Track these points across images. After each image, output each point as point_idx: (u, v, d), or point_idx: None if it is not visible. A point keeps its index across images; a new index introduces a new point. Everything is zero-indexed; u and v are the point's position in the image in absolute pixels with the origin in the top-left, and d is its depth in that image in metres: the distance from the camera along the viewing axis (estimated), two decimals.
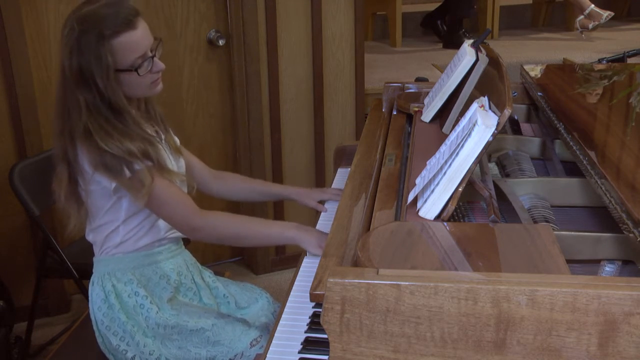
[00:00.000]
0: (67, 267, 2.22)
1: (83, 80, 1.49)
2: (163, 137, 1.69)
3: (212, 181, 1.91)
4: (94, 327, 1.66)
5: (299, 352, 1.24)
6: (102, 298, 1.64)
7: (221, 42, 2.77)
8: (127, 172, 1.52)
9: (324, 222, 1.74)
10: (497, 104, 1.26)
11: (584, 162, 1.30)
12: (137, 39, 1.51)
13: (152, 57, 1.56)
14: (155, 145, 1.58)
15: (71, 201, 1.60)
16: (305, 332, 1.30)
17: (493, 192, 1.29)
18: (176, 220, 1.61)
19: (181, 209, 1.58)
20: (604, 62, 2.28)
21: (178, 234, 1.72)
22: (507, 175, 1.53)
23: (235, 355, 1.62)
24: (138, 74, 1.53)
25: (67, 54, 1.49)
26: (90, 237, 1.69)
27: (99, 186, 1.57)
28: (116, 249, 1.65)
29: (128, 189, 1.54)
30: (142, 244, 1.66)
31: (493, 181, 1.37)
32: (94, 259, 1.71)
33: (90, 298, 1.68)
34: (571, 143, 1.40)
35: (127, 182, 1.53)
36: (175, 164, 1.69)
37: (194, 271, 1.78)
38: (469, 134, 1.20)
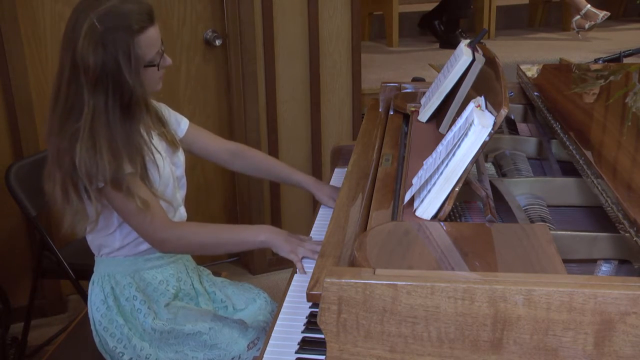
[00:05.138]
0: (64, 268, 2.21)
1: (102, 78, 1.44)
2: (156, 135, 1.64)
3: (232, 161, 1.90)
4: (92, 327, 1.65)
5: (296, 352, 1.24)
6: (101, 299, 1.64)
7: (218, 42, 2.76)
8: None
9: (321, 223, 1.74)
10: (493, 104, 1.26)
11: (581, 161, 1.30)
12: (157, 33, 1.52)
13: (163, 52, 1.56)
14: (143, 157, 1.54)
15: (66, 203, 1.54)
16: (302, 332, 1.29)
17: (490, 192, 1.29)
18: (143, 232, 1.56)
19: (149, 221, 1.53)
20: (600, 62, 2.28)
21: None
22: (504, 175, 1.53)
23: (233, 358, 1.62)
24: (158, 68, 1.53)
25: (89, 52, 1.42)
26: (89, 238, 1.68)
27: None
28: (117, 252, 1.64)
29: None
30: (143, 249, 1.64)
31: (490, 181, 1.37)
32: (96, 259, 1.69)
33: (89, 297, 1.67)
34: (567, 143, 1.41)
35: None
36: (169, 163, 1.65)
37: (194, 276, 1.77)
38: (466, 134, 1.20)
